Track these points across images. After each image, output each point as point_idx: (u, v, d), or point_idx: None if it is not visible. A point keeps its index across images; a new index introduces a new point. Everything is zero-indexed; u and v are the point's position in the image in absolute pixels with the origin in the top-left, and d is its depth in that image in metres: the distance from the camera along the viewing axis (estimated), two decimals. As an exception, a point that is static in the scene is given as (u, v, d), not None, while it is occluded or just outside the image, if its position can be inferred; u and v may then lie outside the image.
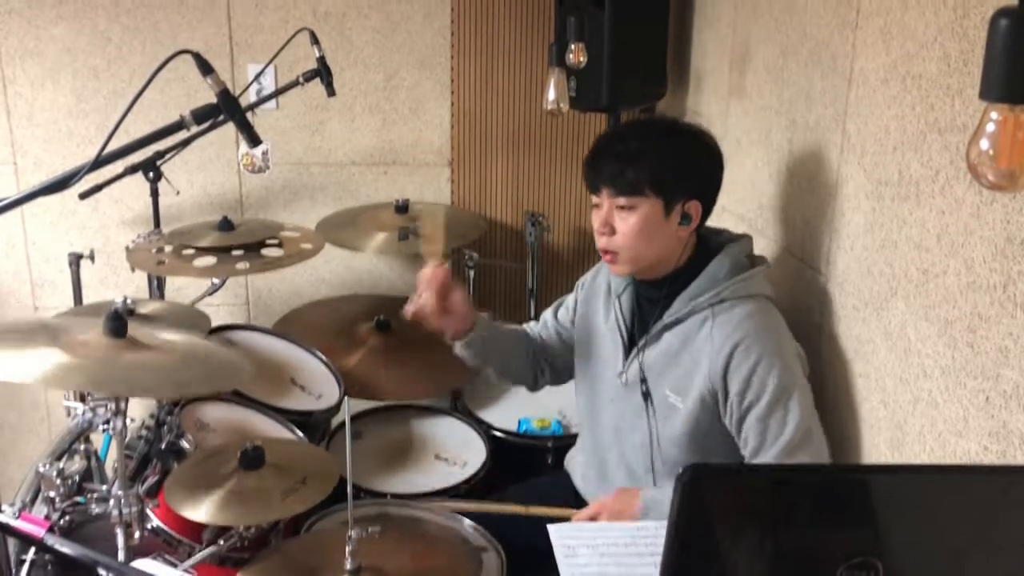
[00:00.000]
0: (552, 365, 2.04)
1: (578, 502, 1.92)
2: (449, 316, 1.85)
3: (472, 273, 2.86)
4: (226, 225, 2.45)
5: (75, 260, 2.62)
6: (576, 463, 2.01)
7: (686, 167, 1.70)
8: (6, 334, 1.61)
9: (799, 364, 1.68)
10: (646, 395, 1.75)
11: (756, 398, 1.61)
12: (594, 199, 1.74)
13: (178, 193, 2.78)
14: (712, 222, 2.47)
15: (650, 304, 1.78)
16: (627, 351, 1.80)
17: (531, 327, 2.08)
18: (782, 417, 1.61)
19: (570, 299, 2.02)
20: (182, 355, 1.69)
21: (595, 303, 1.92)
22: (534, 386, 2.08)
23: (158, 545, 1.77)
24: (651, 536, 1.54)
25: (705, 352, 1.66)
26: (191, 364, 1.69)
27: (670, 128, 1.79)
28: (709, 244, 1.77)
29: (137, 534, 1.69)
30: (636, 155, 1.67)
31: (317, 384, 2.32)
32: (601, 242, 1.74)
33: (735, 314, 1.66)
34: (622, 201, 1.68)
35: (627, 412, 1.80)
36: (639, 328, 1.80)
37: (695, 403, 1.68)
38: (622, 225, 1.69)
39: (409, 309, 1.83)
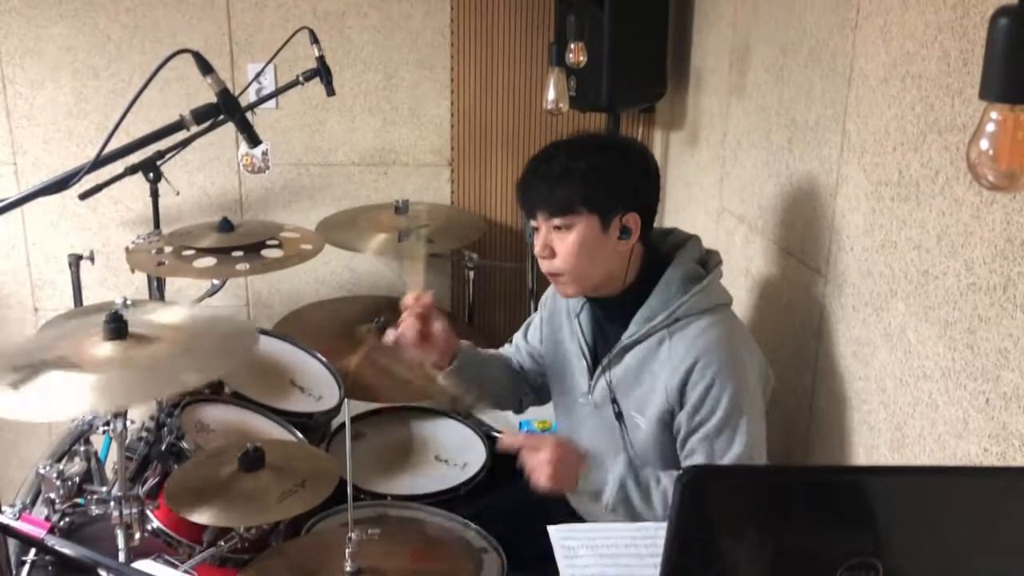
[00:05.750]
0: (532, 386, 2.03)
1: (571, 511, 1.92)
2: (430, 345, 1.83)
3: (472, 273, 2.86)
4: (226, 226, 2.45)
5: (75, 261, 2.62)
6: None
7: (617, 181, 1.67)
8: (7, 366, 1.54)
9: (756, 379, 1.66)
10: (618, 414, 1.75)
11: (707, 417, 1.61)
12: (532, 223, 1.73)
13: (178, 193, 2.78)
14: (712, 222, 2.48)
15: (609, 323, 1.77)
16: (591, 371, 1.79)
17: (506, 351, 2.07)
18: (729, 438, 1.60)
19: (536, 318, 2.00)
20: (186, 339, 1.65)
21: (558, 322, 1.90)
22: (519, 409, 2.07)
23: (158, 546, 1.78)
24: (651, 537, 1.53)
25: (664, 371, 1.65)
26: (198, 345, 1.64)
27: (598, 144, 1.75)
28: (659, 252, 1.75)
29: (137, 535, 1.69)
30: (565, 174, 1.65)
31: (317, 385, 2.32)
32: (544, 265, 1.72)
33: (691, 331, 1.64)
34: (557, 221, 1.67)
35: (601, 430, 1.79)
36: (602, 347, 1.78)
37: (654, 421, 1.68)
38: (561, 246, 1.67)
39: (391, 336, 1.82)
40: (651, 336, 1.68)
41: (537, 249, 1.71)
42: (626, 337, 1.70)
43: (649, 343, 1.69)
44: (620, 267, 1.71)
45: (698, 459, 1.62)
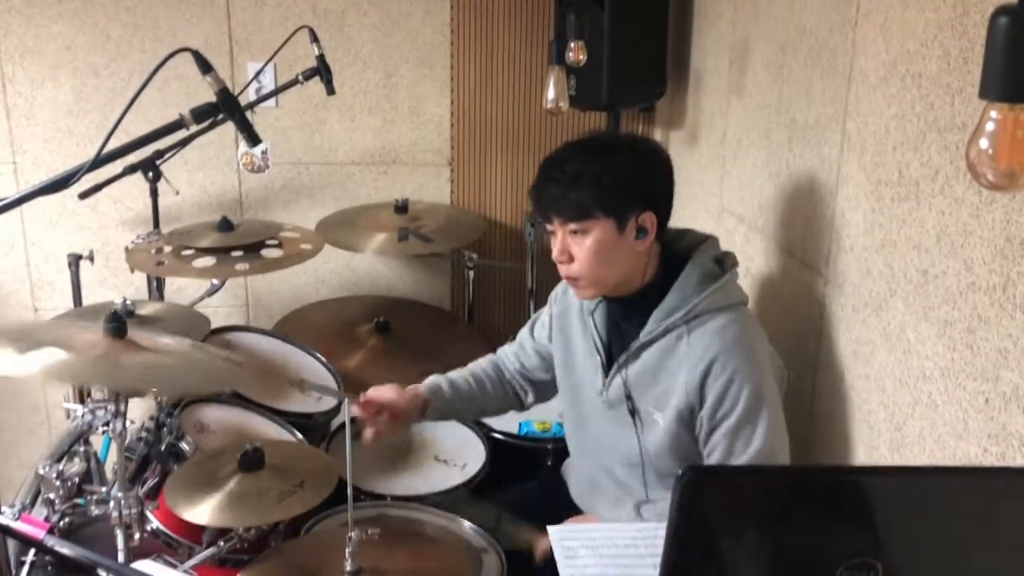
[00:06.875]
0: (535, 385, 2.03)
1: (573, 510, 1.93)
2: (403, 414, 1.88)
3: (471, 274, 2.86)
4: (225, 225, 2.44)
5: (75, 261, 2.62)
6: (570, 475, 2.01)
7: (630, 181, 1.65)
8: (5, 334, 1.60)
9: (772, 376, 1.66)
10: (632, 411, 1.75)
11: (728, 413, 1.61)
12: (548, 227, 1.72)
13: (177, 193, 2.78)
14: (712, 221, 2.48)
15: (625, 322, 1.76)
16: (606, 369, 1.78)
17: (507, 350, 2.07)
18: (749, 434, 1.60)
19: (545, 315, 1.99)
20: (181, 358, 1.68)
21: (570, 319, 1.89)
22: (521, 408, 2.08)
23: (158, 546, 1.78)
24: (651, 536, 1.53)
25: (683, 368, 1.65)
26: (190, 366, 1.68)
27: (610, 144, 1.74)
28: (675, 250, 1.75)
29: (137, 535, 1.69)
30: (577, 178, 1.64)
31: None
32: (562, 270, 1.71)
33: (709, 328, 1.64)
34: (573, 226, 1.66)
35: (613, 427, 1.79)
36: (617, 345, 1.78)
37: (673, 418, 1.67)
38: (578, 250, 1.67)
39: (367, 439, 1.85)
40: (669, 333, 1.68)
41: (555, 254, 1.70)
42: (644, 335, 1.70)
43: (667, 340, 1.68)
44: (638, 267, 1.70)
45: (716, 456, 1.62)
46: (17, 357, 1.47)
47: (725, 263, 1.74)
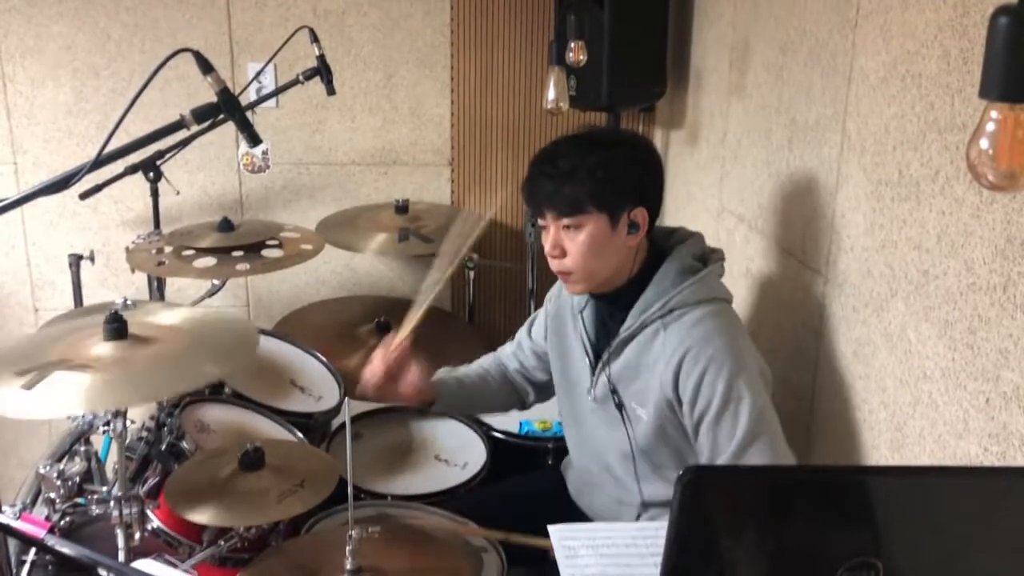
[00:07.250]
0: (535, 384, 2.04)
1: (572, 509, 1.93)
2: (403, 390, 1.84)
3: (472, 274, 2.86)
4: (226, 226, 2.45)
5: (75, 261, 2.62)
6: (568, 473, 2.01)
7: (624, 177, 1.66)
8: (9, 363, 1.56)
9: (753, 364, 1.64)
10: (619, 407, 1.75)
11: (706, 406, 1.59)
12: (540, 222, 1.72)
13: (178, 193, 2.78)
14: (712, 221, 2.48)
15: (611, 320, 1.77)
16: (593, 367, 1.79)
17: (506, 350, 2.07)
18: (732, 423, 1.58)
19: (541, 315, 2.00)
20: (188, 339, 1.66)
21: (564, 318, 1.90)
22: (523, 407, 2.09)
23: (158, 546, 1.78)
24: (652, 536, 1.53)
25: (660, 363, 1.65)
26: (200, 345, 1.65)
27: (603, 140, 1.74)
28: (662, 248, 1.75)
29: (137, 535, 1.69)
30: (571, 172, 1.64)
31: (317, 386, 2.32)
32: (554, 264, 1.71)
33: (684, 322, 1.64)
34: (567, 221, 1.66)
35: (604, 424, 1.79)
36: (604, 344, 1.78)
37: (655, 413, 1.67)
38: (571, 245, 1.67)
39: (366, 377, 1.82)
40: (646, 328, 1.68)
41: (547, 248, 1.70)
42: (623, 330, 1.70)
43: (645, 335, 1.69)
44: (627, 261, 1.71)
45: (706, 454, 1.61)
46: (26, 396, 1.44)
47: (708, 260, 1.74)
